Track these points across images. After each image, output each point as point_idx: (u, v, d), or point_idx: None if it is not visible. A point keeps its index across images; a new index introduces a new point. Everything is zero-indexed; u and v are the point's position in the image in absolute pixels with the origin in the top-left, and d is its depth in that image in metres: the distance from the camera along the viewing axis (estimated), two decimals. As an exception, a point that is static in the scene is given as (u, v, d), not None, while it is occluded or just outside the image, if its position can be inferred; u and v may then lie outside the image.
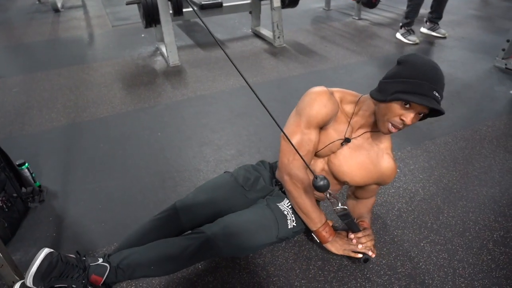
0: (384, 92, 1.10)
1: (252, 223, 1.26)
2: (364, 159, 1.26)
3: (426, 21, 3.78)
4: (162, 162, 2.00)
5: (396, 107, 1.08)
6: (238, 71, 0.96)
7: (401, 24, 3.65)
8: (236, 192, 1.39)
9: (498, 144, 2.09)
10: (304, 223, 1.32)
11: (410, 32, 3.59)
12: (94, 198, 1.77)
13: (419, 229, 1.56)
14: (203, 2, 3.48)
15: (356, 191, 1.48)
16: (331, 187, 1.33)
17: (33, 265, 1.06)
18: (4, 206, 1.51)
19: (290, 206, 1.33)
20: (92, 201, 1.76)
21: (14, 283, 1.10)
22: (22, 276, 1.18)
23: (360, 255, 1.31)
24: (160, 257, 1.18)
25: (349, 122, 1.24)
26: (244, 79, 0.95)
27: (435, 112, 1.09)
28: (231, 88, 2.82)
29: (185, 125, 2.35)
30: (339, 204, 1.14)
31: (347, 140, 1.24)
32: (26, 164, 1.75)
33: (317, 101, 1.18)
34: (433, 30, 3.73)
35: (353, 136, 1.26)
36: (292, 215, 1.32)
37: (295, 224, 1.32)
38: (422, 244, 1.49)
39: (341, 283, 1.34)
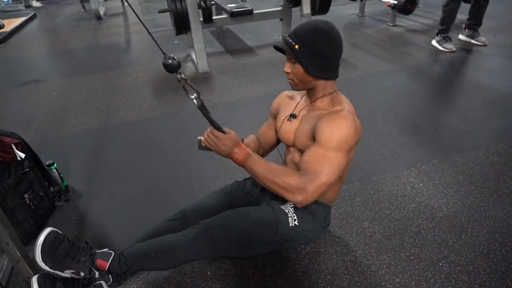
0: None
1: (250, 216, 1.31)
2: (310, 121, 1.25)
3: (465, 28, 3.59)
4: (181, 167, 2.04)
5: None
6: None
7: (437, 30, 3.50)
8: (243, 198, 1.46)
9: (535, 161, 1.95)
10: (309, 224, 1.35)
11: (446, 39, 3.43)
12: (115, 199, 1.84)
13: (438, 248, 1.48)
14: (233, 10, 3.53)
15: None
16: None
17: (39, 238, 1.15)
18: (31, 203, 1.61)
19: (292, 208, 1.35)
20: (113, 202, 1.83)
21: (29, 278, 1.16)
22: (38, 272, 1.25)
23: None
24: (160, 245, 1.26)
25: (297, 103, 1.35)
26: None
27: (303, 59, 1.15)
28: (256, 95, 2.83)
29: (208, 131, 2.39)
30: (194, 94, 1.14)
31: (292, 116, 1.33)
32: (55, 165, 1.86)
33: None
34: (472, 38, 3.54)
35: (301, 112, 1.33)
36: (294, 215, 1.33)
37: (297, 223, 1.33)
38: (440, 264, 1.41)
39: (349, 300, 1.30)
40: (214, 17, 3.57)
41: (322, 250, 1.49)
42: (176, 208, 1.73)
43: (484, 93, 2.68)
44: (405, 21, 4.34)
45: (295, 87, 1.25)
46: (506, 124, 2.29)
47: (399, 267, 1.41)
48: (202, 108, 1.16)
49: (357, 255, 1.47)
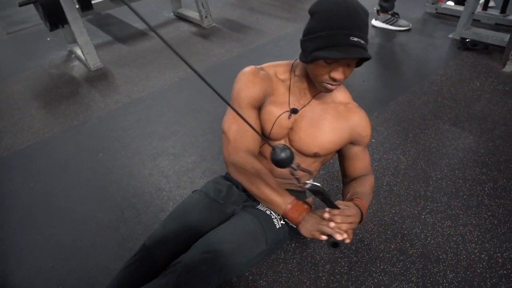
0: (305, 52, 0.97)
1: (234, 234, 1.07)
2: (323, 120, 1.09)
3: (378, 12, 2.90)
4: (113, 189, 1.69)
5: (320, 66, 0.94)
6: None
7: (377, 9, 2.86)
8: (211, 209, 1.19)
9: (456, 92, 2.08)
10: None
11: (395, 16, 2.83)
12: (40, 253, 1.44)
13: (414, 201, 1.47)
14: (113, -10, 3.03)
15: (345, 169, 1.24)
16: (306, 167, 1.13)
17: None
18: None
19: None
20: (39, 258, 1.42)
21: None
22: None
23: (325, 237, 0.95)
24: None
25: (289, 91, 1.10)
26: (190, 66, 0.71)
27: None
28: (169, 83, 2.50)
29: (129, 137, 2.02)
30: (311, 180, 0.82)
31: (294, 111, 1.09)
32: None
33: (243, 80, 1.08)
34: (391, 23, 2.89)
35: (301, 104, 1.10)
36: (277, 213, 1.14)
37: (283, 223, 1.14)
38: (423, 217, 1.40)
39: (357, 284, 1.21)
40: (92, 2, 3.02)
41: (309, 240, 1.36)
42: (125, 241, 1.44)
43: (389, 37, 2.78)
44: (291, -22, 4.29)
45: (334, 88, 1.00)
46: (420, 64, 2.41)
47: (389, 232, 1.36)
48: (319, 192, 0.85)
49: (345, 232, 1.38)
